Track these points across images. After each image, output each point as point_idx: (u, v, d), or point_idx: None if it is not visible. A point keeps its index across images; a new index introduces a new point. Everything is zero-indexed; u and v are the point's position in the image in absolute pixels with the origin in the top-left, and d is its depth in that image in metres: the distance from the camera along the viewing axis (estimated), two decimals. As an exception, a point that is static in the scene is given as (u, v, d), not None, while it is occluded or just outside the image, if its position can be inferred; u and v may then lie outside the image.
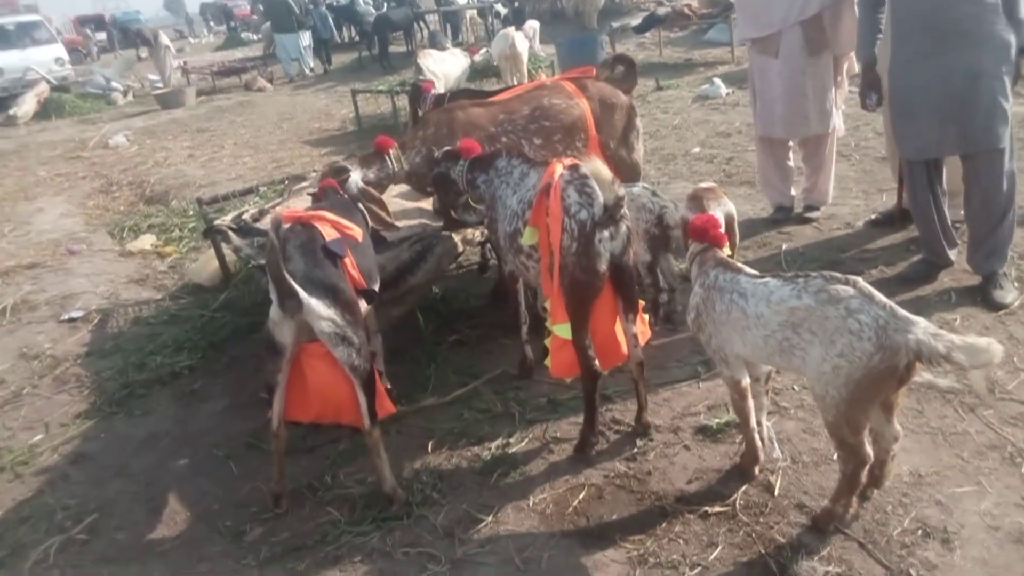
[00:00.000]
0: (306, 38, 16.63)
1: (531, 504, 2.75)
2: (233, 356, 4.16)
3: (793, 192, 5.07)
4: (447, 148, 3.46)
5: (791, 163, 5.05)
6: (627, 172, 4.21)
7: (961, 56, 3.45)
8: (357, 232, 2.73)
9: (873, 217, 4.79)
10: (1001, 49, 3.44)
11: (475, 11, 17.61)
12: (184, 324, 4.56)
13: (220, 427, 3.53)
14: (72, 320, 4.87)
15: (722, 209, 2.83)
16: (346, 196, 3.24)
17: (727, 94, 8.90)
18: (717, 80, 9.16)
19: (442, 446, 3.14)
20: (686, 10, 12.23)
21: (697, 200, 2.82)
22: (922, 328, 2.06)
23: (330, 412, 2.73)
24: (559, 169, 2.78)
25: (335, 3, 21.40)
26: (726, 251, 2.59)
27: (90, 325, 4.79)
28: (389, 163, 3.68)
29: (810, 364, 2.22)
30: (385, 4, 20.60)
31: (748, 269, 2.46)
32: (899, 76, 3.66)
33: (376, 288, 2.88)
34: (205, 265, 5.16)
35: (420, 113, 5.62)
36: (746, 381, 2.56)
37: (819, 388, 2.22)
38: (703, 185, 2.91)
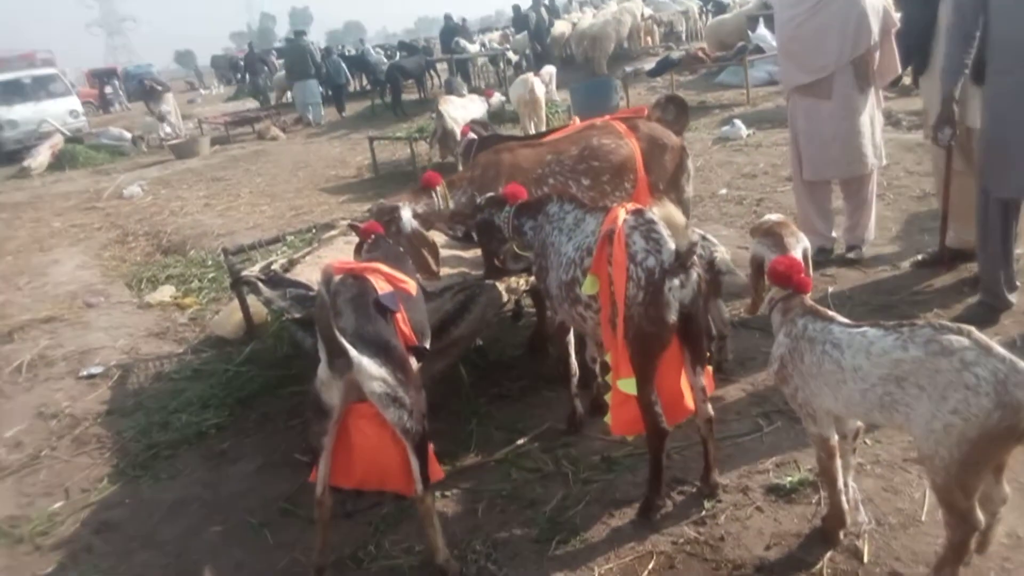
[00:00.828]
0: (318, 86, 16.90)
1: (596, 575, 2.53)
2: (263, 413, 3.97)
3: (834, 234, 4.92)
4: (491, 194, 3.32)
5: (831, 205, 4.93)
6: None
7: None
8: (411, 285, 2.57)
9: (919, 258, 4.62)
10: None
11: (487, 58, 17.75)
12: (208, 379, 4.38)
13: (253, 491, 3.33)
14: (91, 376, 4.70)
15: (801, 246, 2.49)
16: (394, 243, 3.09)
17: (748, 135, 8.81)
18: (737, 121, 9.08)
19: (492, 510, 2.93)
20: (699, 54, 12.26)
21: (775, 237, 2.47)
22: (1045, 383, 1.87)
23: (374, 478, 2.54)
24: (622, 214, 2.62)
25: (347, 53, 21.70)
26: None
27: (110, 381, 4.62)
28: (436, 200, 3.55)
29: (917, 422, 2.03)
30: (397, 53, 20.83)
31: (840, 317, 2.28)
32: (995, 111, 3.51)
33: (427, 344, 2.71)
34: (228, 317, 5.00)
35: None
36: (835, 439, 2.36)
37: (927, 448, 2.02)
38: (773, 218, 2.58)
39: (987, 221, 3.64)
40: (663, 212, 2.44)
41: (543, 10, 18.01)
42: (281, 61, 20.96)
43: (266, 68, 24.09)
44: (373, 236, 3.00)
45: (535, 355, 4.13)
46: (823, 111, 4.48)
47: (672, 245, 2.50)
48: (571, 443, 3.27)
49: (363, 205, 7.94)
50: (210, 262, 6.65)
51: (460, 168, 6.84)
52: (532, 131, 9.37)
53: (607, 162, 3.83)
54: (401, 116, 15.19)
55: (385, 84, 16.70)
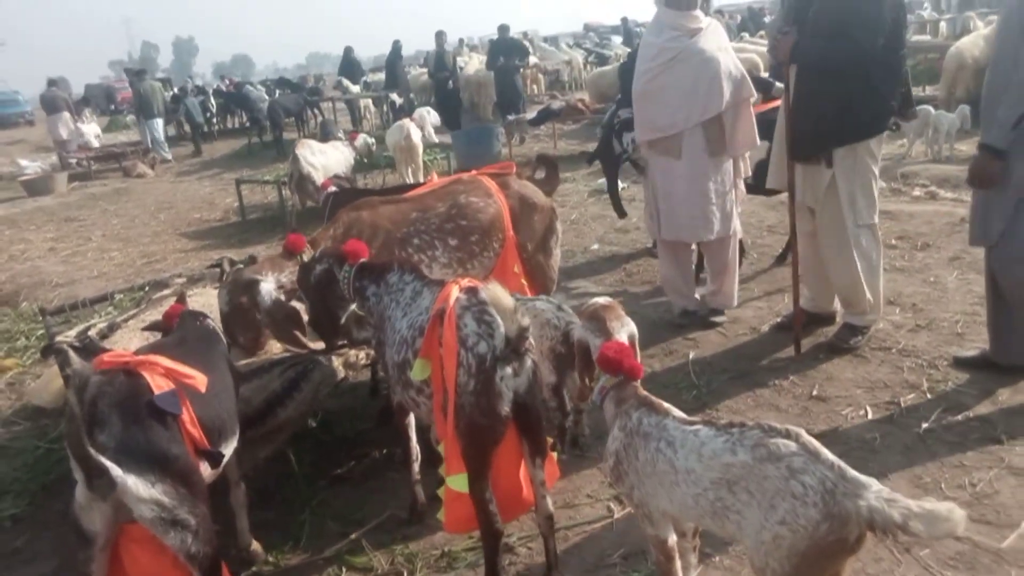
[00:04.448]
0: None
1: None
2: (69, 502, 3.48)
3: (697, 295, 4.91)
4: (327, 248, 3.07)
5: (693, 267, 4.93)
6: (542, 279, 3.95)
7: None
8: (199, 380, 2.24)
9: (779, 321, 4.66)
10: None
11: (370, 100, 17.47)
12: (14, 459, 3.87)
13: (43, 599, 2.89)
14: None
15: (626, 331, 2.46)
16: (209, 322, 2.74)
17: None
18: (613, 175, 9.14)
19: (315, 620, 2.62)
20: (579, 104, 12.45)
21: (599, 321, 2.43)
22: (874, 492, 1.76)
23: None
24: (455, 292, 2.42)
25: (224, 89, 20.99)
26: None
27: None
28: None
29: (747, 531, 1.89)
30: (276, 91, 20.28)
31: (675, 411, 2.13)
32: None
33: (226, 450, 2.37)
34: (47, 384, 4.46)
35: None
36: (673, 539, 2.21)
37: (758, 560, 1.88)
38: (601, 301, 2.54)
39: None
40: (490, 294, 2.25)
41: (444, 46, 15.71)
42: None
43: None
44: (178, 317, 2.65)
45: (386, 426, 3.85)
46: (675, 171, 4.45)
47: (503, 330, 2.31)
48: (411, 535, 3.01)
49: (223, 252, 7.46)
50: (41, 318, 6.02)
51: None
52: (409, 178, 9.18)
53: (476, 221, 3.69)
54: (281, 155, 14.68)
55: (264, 122, 16.18)
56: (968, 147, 8.03)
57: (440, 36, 15.25)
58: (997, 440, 3.21)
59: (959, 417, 3.44)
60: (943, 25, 18.81)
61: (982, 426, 3.34)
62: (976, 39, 10.71)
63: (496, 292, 2.24)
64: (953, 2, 26.96)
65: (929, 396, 3.65)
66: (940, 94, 10.76)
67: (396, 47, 17.76)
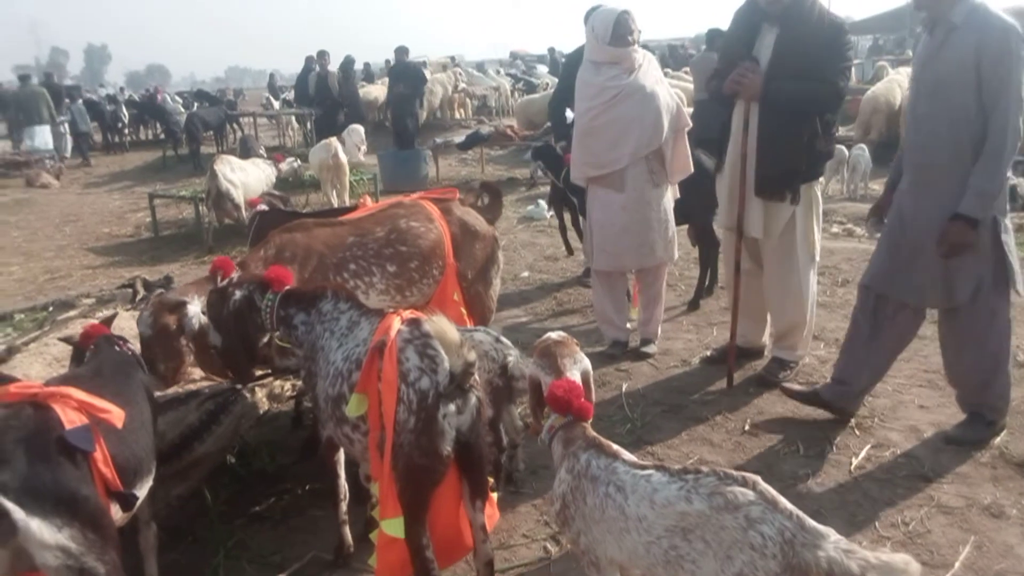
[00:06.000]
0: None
1: None
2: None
3: (628, 326, 4.91)
4: (245, 273, 2.90)
5: (625, 297, 4.94)
6: (481, 310, 3.85)
7: None
8: (115, 414, 2.03)
9: (708, 354, 4.68)
10: None
11: (293, 117, 17.09)
12: None
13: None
14: None
15: (579, 367, 2.38)
16: (129, 348, 2.51)
17: (551, 216, 8.89)
18: (542, 202, 9.17)
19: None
20: (508, 131, 12.51)
21: (551, 358, 2.34)
22: (832, 543, 1.72)
23: None
24: (396, 324, 2.29)
25: (136, 98, 20.23)
26: None
27: None
28: None
29: (703, 581, 1.82)
30: (195, 104, 19.66)
31: (626, 454, 2.05)
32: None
33: (140, 491, 2.16)
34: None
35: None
36: (620, 587, 2.12)
37: (705, 613, 1.81)
38: (553, 336, 2.46)
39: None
40: (436, 327, 2.14)
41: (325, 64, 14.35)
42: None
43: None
44: (95, 342, 2.43)
45: (310, 458, 3.65)
46: (616, 203, 4.46)
47: (448, 365, 2.20)
48: (336, 579, 2.83)
49: (135, 270, 7.08)
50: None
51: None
52: (334, 199, 8.95)
53: (415, 247, 3.58)
54: (198, 169, 14.16)
55: (180, 134, 15.61)
56: (879, 185, 8.38)
57: (323, 56, 14.32)
58: (925, 477, 3.26)
59: (887, 453, 3.50)
60: (852, 70, 19.80)
61: (909, 462, 3.40)
62: (890, 85, 11.28)
63: (441, 325, 2.12)
64: (860, 48, 28.57)
65: (857, 432, 3.70)
66: (855, 135, 11.26)
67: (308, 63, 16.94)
